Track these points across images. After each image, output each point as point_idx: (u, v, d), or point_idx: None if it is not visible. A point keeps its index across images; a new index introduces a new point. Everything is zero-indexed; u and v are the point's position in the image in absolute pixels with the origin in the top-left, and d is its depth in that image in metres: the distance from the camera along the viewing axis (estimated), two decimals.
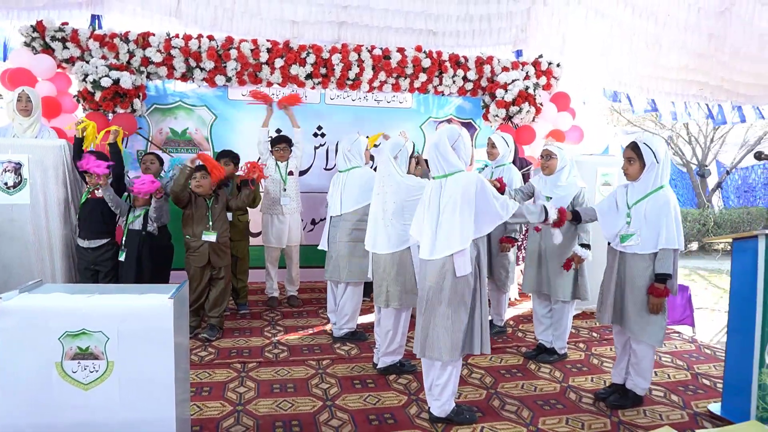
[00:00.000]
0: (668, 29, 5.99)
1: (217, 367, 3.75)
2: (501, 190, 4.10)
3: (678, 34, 6.06)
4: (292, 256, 5.36)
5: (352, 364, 3.88)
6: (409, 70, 6.00)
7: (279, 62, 5.56)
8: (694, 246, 13.32)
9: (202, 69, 5.47)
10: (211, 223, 4.25)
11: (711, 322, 6.91)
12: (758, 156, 3.34)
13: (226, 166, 4.89)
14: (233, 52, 5.44)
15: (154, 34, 5.36)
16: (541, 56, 6.47)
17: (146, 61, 5.35)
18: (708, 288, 9.21)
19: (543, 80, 6.42)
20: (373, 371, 3.75)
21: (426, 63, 6.01)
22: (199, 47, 5.40)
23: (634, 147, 3.20)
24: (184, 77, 5.54)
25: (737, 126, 13.18)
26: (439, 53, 6.10)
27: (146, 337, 2.13)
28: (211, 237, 4.23)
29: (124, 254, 4.15)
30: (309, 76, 5.75)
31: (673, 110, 8.02)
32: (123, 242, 4.18)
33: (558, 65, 6.50)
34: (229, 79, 5.57)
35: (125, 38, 5.30)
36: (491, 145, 4.61)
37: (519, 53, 6.78)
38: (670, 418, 3.20)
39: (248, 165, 4.60)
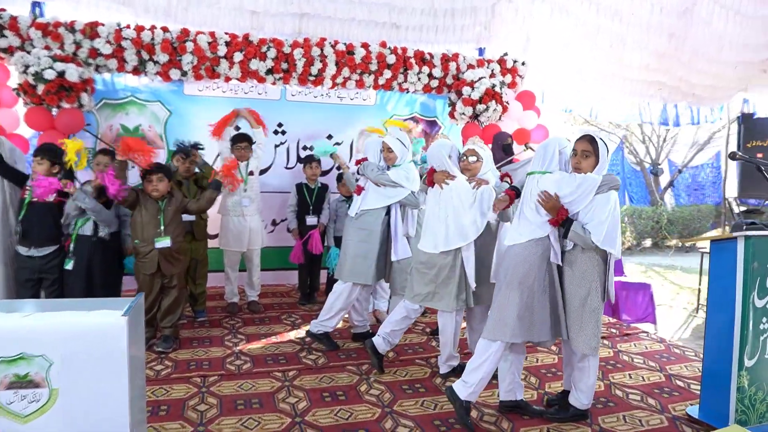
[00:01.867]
0: (632, 28, 5.99)
1: (175, 382, 3.48)
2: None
3: (641, 34, 6.08)
4: (253, 260, 5.10)
5: (321, 375, 3.67)
6: (374, 67, 5.82)
7: (238, 56, 5.28)
8: (648, 243, 13.64)
9: (155, 62, 5.14)
10: (162, 228, 3.93)
11: (670, 318, 7.01)
12: (732, 156, 3.32)
13: (182, 164, 4.61)
14: (189, 45, 5.14)
15: (103, 24, 5.00)
16: (506, 54, 6.40)
17: (94, 52, 4.98)
18: (664, 284, 9.39)
19: (508, 78, 6.36)
20: (344, 382, 3.56)
21: (391, 59, 5.84)
22: (153, 39, 5.07)
23: (591, 140, 2.95)
24: (136, 71, 5.19)
25: (687, 126, 13.59)
26: (404, 49, 5.94)
27: (97, 361, 1.88)
28: (163, 243, 3.91)
29: (71, 262, 3.82)
30: (270, 72, 5.49)
31: (632, 111, 8.14)
32: (71, 249, 3.85)
33: (523, 63, 6.45)
34: (184, 74, 5.25)
35: (71, 28, 4.92)
36: (387, 150, 4.06)
37: (481, 51, 6.69)
38: (650, 423, 3.13)
39: (226, 165, 4.24)
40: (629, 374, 3.84)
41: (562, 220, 2.92)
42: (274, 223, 6.06)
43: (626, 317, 5.92)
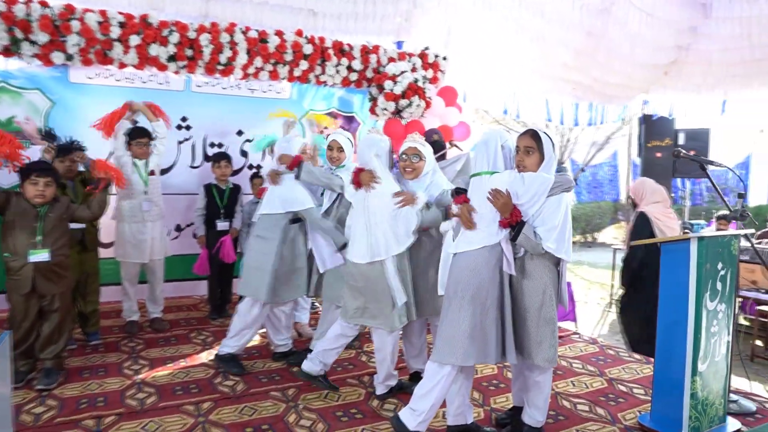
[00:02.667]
0: (553, 25, 5.94)
1: (62, 428, 2.86)
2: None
3: (562, 31, 6.05)
4: (156, 271, 4.49)
5: (241, 405, 3.17)
6: (289, 57, 5.34)
7: (135, 40, 4.61)
8: None
9: (32, 42, 4.36)
10: (40, 238, 3.26)
11: (586, 314, 7.10)
12: (676, 154, 3.22)
13: (61, 163, 3.93)
14: (75, 24, 4.40)
15: None
16: (427, 48, 6.14)
17: None
18: (575, 280, 9.62)
19: (430, 73, 6.10)
20: (269, 412, 3.10)
21: (307, 49, 5.39)
22: (29, 14, 4.29)
23: (533, 135, 2.69)
24: (8, 52, 4.38)
25: (590, 126, 14.19)
26: (322, 39, 5.51)
27: None
28: (39, 256, 3.24)
29: None
30: (172, 59, 4.86)
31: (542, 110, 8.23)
32: None
33: (444, 58, 6.23)
34: (69, 58, 4.50)
35: None
36: (338, 149, 3.67)
37: (400, 45, 6.40)
38: None
39: (94, 163, 3.63)
40: (572, 381, 3.67)
41: (516, 221, 2.63)
42: (178, 228, 5.42)
43: None
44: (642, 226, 4.10)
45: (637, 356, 4.21)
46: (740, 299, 6.04)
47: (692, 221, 8.00)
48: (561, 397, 3.42)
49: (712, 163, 3.17)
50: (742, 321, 6.13)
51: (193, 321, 4.77)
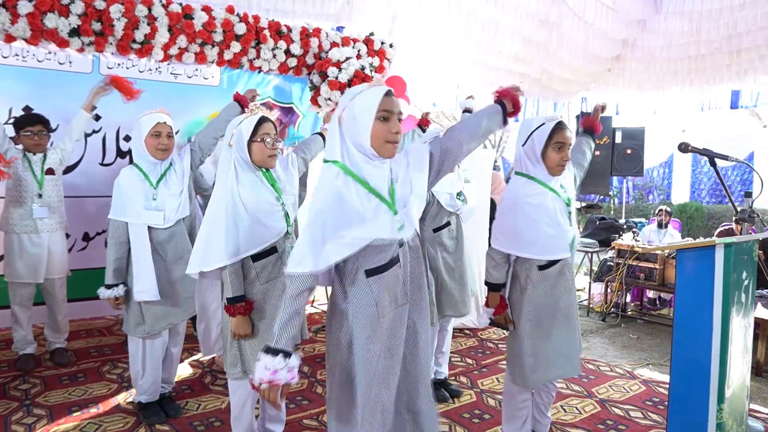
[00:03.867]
0: (507, 12, 5.54)
1: None
2: None
3: (515, 19, 5.67)
4: (56, 293, 3.66)
5: None
6: (218, 37, 4.60)
7: (25, 7, 3.74)
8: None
9: None
10: None
11: None
12: (684, 148, 2.83)
13: None
14: None
15: None
16: (372, 34, 5.58)
17: None
18: None
19: (376, 61, 5.54)
20: None
21: (240, 29, 4.67)
22: None
23: (567, 128, 2.44)
24: None
25: (515, 123, 14.18)
26: (257, 18, 4.81)
27: None
28: None
29: None
30: (75, 33, 4.00)
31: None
32: None
33: (391, 45, 5.69)
34: None
35: None
36: None
37: (340, 30, 5.81)
38: None
39: None
40: (562, 407, 3.23)
41: None
42: (86, 237, 4.55)
43: None
44: None
45: (619, 370, 3.86)
46: None
47: (635, 219, 7.92)
48: (556, 428, 2.96)
49: (726, 158, 2.82)
50: None
51: (107, 350, 3.96)
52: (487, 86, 7.12)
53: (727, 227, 5.58)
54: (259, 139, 2.31)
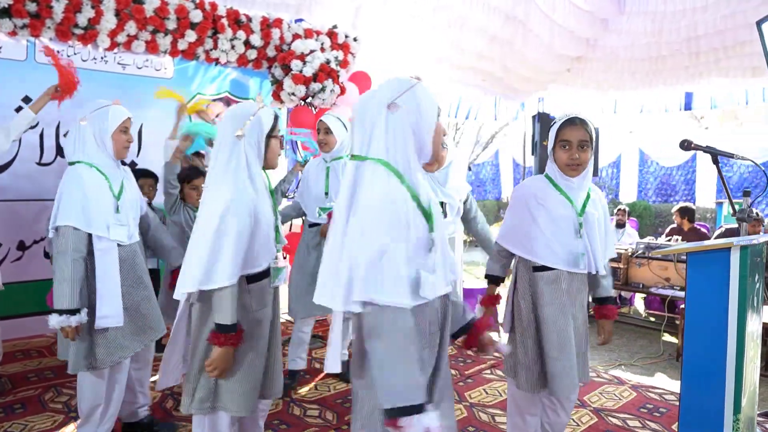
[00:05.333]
0: (473, 8, 5.37)
1: None
2: None
3: (481, 14, 5.50)
4: None
5: None
6: (172, 24, 4.21)
7: None
8: None
9: None
10: None
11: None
12: (687, 145, 2.70)
13: None
14: None
15: None
16: (335, 26, 5.29)
17: None
18: (479, 281, 9.29)
19: (341, 55, 5.26)
20: None
21: (196, 16, 4.30)
22: None
23: (584, 124, 2.24)
24: None
25: (469, 123, 14.19)
26: (214, 6, 4.44)
27: None
28: None
29: None
30: (6, 14, 3.55)
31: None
32: None
33: (355, 39, 5.42)
34: None
35: None
36: (325, 131, 3.28)
37: (299, 22, 5.49)
38: None
39: None
40: None
41: None
42: (22, 246, 4.06)
43: None
44: None
45: (606, 376, 3.73)
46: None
47: None
48: None
49: (732, 155, 2.71)
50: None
51: (48, 373, 3.50)
52: (448, 83, 6.99)
53: (729, 227, 5.58)
54: (276, 135, 2.03)
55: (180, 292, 1.91)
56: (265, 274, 2.00)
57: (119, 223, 2.35)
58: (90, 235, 2.28)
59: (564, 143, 2.24)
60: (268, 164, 2.05)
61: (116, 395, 2.48)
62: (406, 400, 1.31)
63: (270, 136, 2.02)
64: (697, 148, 2.66)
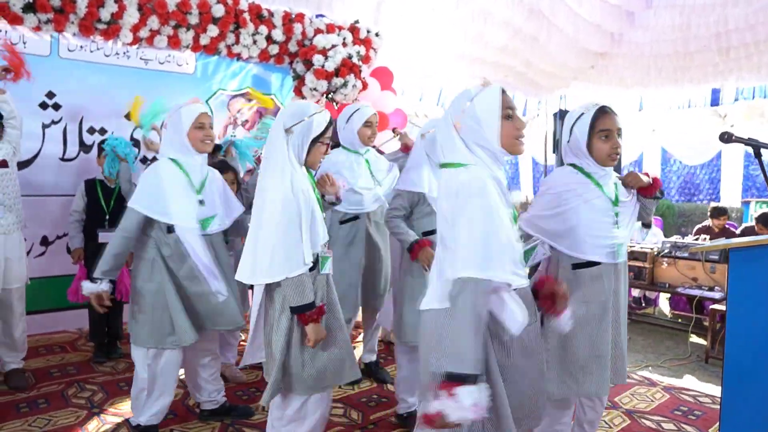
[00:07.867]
0: (497, 1, 5.28)
1: None
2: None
3: (505, 8, 5.41)
4: (13, 305, 3.19)
5: None
6: (194, 19, 4.19)
7: None
8: None
9: None
10: None
11: None
12: (728, 138, 2.59)
13: None
14: None
15: None
16: (357, 21, 5.24)
17: None
18: None
19: (363, 51, 5.20)
20: None
21: (218, 11, 4.27)
22: None
23: (614, 112, 2.17)
24: None
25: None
26: (236, 0, 4.41)
27: None
28: None
29: None
30: (30, 9, 3.54)
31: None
32: None
33: (377, 35, 5.36)
34: None
35: None
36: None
37: (320, 18, 5.44)
38: None
39: None
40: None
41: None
42: (45, 242, 4.06)
43: None
44: None
45: (636, 377, 3.63)
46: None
47: None
48: None
49: None
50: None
51: (71, 369, 3.49)
52: (472, 80, 6.88)
53: (748, 225, 5.44)
54: (324, 141, 2.11)
55: (259, 281, 2.01)
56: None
57: (195, 215, 2.49)
58: (148, 221, 2.45)
59: (604, 133, 2.15)
60: (309, 165, 2.14)
61: (159, 385, 2.51)
62: (471, 369, 1.40)
63: (317, 140, 2.08)
64: (739, 140, 2.54)
